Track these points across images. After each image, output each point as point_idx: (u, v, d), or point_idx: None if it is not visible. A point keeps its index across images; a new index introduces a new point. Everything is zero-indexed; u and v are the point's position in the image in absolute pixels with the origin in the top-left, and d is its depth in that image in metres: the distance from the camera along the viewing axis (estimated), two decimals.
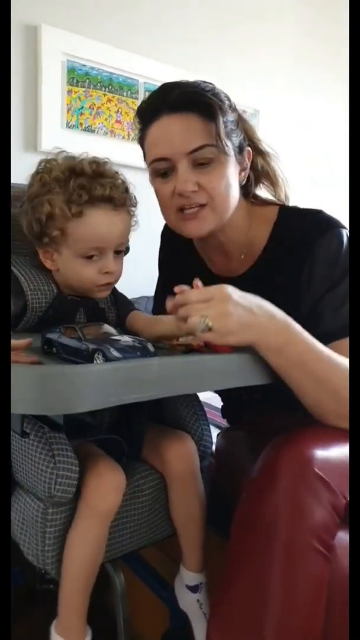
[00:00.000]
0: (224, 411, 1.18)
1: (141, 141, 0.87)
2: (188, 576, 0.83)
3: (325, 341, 0.74)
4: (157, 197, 0.85)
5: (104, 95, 1.84)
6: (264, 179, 0.95)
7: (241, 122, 0.87)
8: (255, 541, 0.67)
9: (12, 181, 0.97)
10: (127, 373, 0.56)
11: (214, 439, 1.13)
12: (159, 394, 0.59)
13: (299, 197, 1.01)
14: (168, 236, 1.00)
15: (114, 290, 0.88)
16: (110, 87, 1.83)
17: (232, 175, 0.84)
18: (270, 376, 0.68)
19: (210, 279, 0.96)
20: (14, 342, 0.64)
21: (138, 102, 1.26)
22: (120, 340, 0.68)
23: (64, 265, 0.79)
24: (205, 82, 0.84)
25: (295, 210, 0.93)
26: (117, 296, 0.88)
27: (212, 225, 0.84)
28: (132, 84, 1.89)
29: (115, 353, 0.63)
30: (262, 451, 0.72)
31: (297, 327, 0.71)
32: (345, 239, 0.84)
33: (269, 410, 0.93)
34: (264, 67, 2.20)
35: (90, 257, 0.77)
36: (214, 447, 1.10)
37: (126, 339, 0.70)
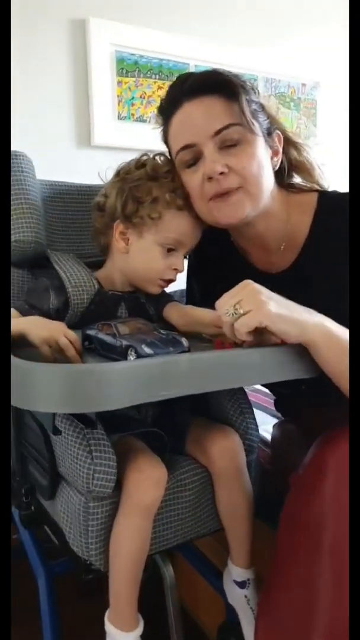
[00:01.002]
0: (277, 404, 1.14)
1: (165, 137, 0.84)
2: (236, 571, 0.81)
3: None
4: (188, 189, 0.82)
5: (154, 83, 1.82)
6: (297, 170, 0.89)
7: (267, 108, 0.82)
8: (302, 540, 0.65)
9: (66, 178, 1.00)
10: (156, 370, 0.55)
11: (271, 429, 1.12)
12: (189, 390, 0.58)
13: None
14: (202, 238, 0.94)
15: None
16: (160, 74, 1.81)
17: (264, 157, 0.80)
18: (308, 370, 0.64)
19: (252, 276, 0.92)
20: (73, 336, 0.67)
21: None
22: (154, 335, 0.68)
23: (138, 250, 0.82)
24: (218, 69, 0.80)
25: (336, 195, 0.86)
26: None
27: (247, 209, 0.79)
28: (183, 68, 1.85)
29: (146, 349, 0.63)
30: (311, 446, 0.70)
31: (334, 323, 0.67)
32: None
33: (320, 404, 0.89)
34: (323, 38, 2.07)
35: (168, 250, 0.81)
36: (269, 437, 1.09)
37: (161, 333, 0.69)
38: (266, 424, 1.18)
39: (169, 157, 0.85)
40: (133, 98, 1.77)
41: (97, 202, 0.87)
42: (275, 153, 0.83)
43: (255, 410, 1.30)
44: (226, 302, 0.64)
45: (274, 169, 0.83)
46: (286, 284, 0.87)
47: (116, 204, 0.82)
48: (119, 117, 1.74)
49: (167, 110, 0.81)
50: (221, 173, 0.76)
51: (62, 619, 0.83)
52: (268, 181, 0.81)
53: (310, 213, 0.85)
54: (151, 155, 0.85)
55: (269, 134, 0.82)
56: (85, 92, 1.66)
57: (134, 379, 0.54)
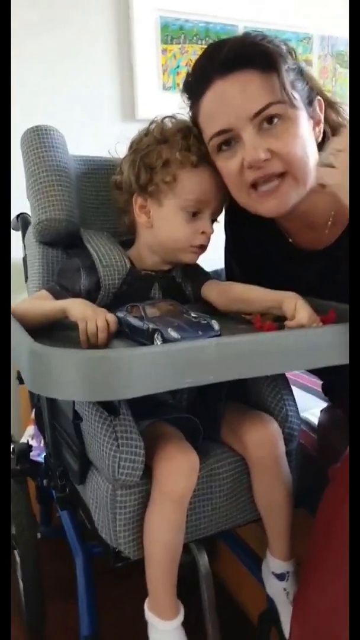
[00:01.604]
0: (324, 388, 1.08)
1: (194, 118, 0.77)
2: (274, 563, 0.78)
3: None
4: (223, 175, 0.75)
5: (201, 48, 1.71)
6: (339, 134, 0.78)
7: (305, 73, 0.74)
8: (338, 537, 0.60)
9: (111, 153, 0.96)
10: (179, 356, 0.51)
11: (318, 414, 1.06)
12: (217, 377, 0.53)
13: None
14: (236, 210, 0.86)
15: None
16: (207, 39, 1.72)
17: (307, 132, 0.72)
18: (340, 358, 0.58)
19: (294, 254, 0.86)
20: (113, 321, 0.65)
21: None
22: (183, 318, 0.64)
23: (161, 221, 0.78)
24: (254, 32, 0.72)
25: None
26: (191, 267, 0.83)
27: (293, 198, 0.73)
28: (232, 30, 1.76)
29: (173, 333, 0.59)
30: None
31: None
32: None
33: None
34: None
35: (191, 214, 0.76)
36: (316, 421, 1.03)
37: (191, 316, 0.65)
38: (314, 408, 1.12)
39: (178, 119, 0.79)
40: (178, 67, 1.70)
41: (114, 180, 0.83)
42: (317, 122, 0.75)
43: (302, 392, 1.25)
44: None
45: (317, 140, 0.75)
46: (331, 261, 0.80)
47: (130, 177, 0.78)
48: (164, 88, 1.68)
49: (196, 89, 0.74)
50: (264, 160, 0.69)
51: (99, 597, 0.83)
52: (314, 158, 0.73)
53: None
54: (159, 120, 0.80)
55: (309, 102, 0.74)
56: (128, 62, 1.61)
57: (155, 366, 0.50)
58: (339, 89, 1.90)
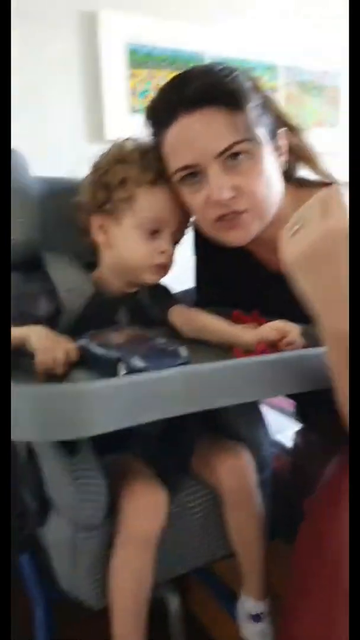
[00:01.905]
0: (297, 411, 1.06)
1: (158, 147, 0.75)
2: (249, 604, 0.74)
3: None
4: (189, 207, 0.74)
5: (170, 74, 1.74)
6: (301, 158, 0.80)
7: (268, 102, 0.73)
8: (318, 575, 0.58)
9: (79, 174, 0.94)
10: (143, 388, 0.48)
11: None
12: (184, 409, 0.50)
13: None
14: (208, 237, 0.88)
15: (157, 284, 0.80)
16: (175, 65, 1.74)
17: (271, 167, 0.72)
18: (316, 383, 0.56)
19: (262, 278, 0.85)
20: (73, 354, 0.61)
21: None
22: (149, 345, 0.61)
23: (119, 240, 0.75)
24: (219, 65, 0.71)
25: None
26: (159, 289, 0.81)
27: (256, 230, 0.73)
28: (198, 58, 1.78)
29: (138, 362, 0.55)
30: (327, 467, 0.62)
31: None
32: None
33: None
34: (345, 24, 1.95)
35: (149, 233, 0.74)
36: (290, 444, 1.00)
37: (158, 342, 0.62)
38: (288, 429, 1.10)
39: (137, 141, 0.78)
40: (147, 90, 1.70)
41: (76, 202, 0.81)
42: (281, 153, 0.76)
43: (275, 414, 1.22)
44: None
45: (281, 169, 0.75)
46: (290, 284, 0.80)
47: (89, 197, 0.77)
48: (133, 110, 1.68)
49: (161, 120, 0.73)
50: (230, 198, 0.69)
51: None
52: (276, 193, 0.74)
53: None
54: (120, 141, 0.79)
55: (273, 135, 0.74)
56: (97, 85, 1.60)
57: (118, 400, 0.46)
58: (304, 116, 1.95)
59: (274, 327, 0.62)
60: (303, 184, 0.81)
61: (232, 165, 0.69)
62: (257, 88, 0.71)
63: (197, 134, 0.68)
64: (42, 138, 1.46)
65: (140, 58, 1.67)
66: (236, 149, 0.68)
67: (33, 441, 0.61)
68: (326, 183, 0.80)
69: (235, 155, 0.69)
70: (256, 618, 0.73)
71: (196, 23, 1.71)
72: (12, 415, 0.45)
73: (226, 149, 0.68)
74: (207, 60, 1.77)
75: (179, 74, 0.73)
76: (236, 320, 0.73)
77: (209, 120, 0.68)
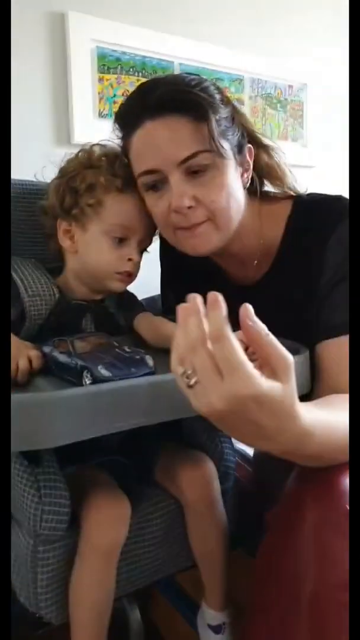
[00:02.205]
0: None
1: (124, 151, 0.76)
2: (210, 615, 0.74)
3: (331, 335, 0.69)
4: (152, 213, 0.74)
5: (138, 80, 1.74)
6: (268, 176, 0.81)
7: (237, 116, 0.74)
8: (277, 590, 0.58)
9: (46, 178, 0.92)
10: (107, 398, 0.47)
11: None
12: (150, 420, 0.50)
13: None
14: (175, 248, 0.86)
15: (124, 291, 0.80)
16: (143, 72, 1.74)
17: (234, 181, 0.72)
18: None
19: (227, 289, 0.86)
20: (37, 360, 0.61)
21: None
22: (114, 353, 0.60)
23: (85, 246, 0.75)
24: (190, 75, 0.72)
25: (312, 199, 0.79)
26: (125, 297, 0.80)
27: (216, 242, 0.73)
28: (167, 66, 1.78)
29: (103, 371, 0.55)
30: (289, 479, 0.62)
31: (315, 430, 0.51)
32: None
33: None
34: (310, 39, 2.01)
35: (116, 240, 0.74)
36: (251, 453, 1.01)
37: (124, 351, 0.61)
38: None
39: (105, 147, 0.78)
40: (115, 96, 1.69)
41: (41, 205, 0.80)
42: (246, 170, 0.76)
43: None
44: (187, 353, 0.45)
45: (244, 186, 0.76)
46: (258, 297, 0.81)
47: (55, 201, 0.76)
48: (101, 115, 1.67)
49: (127, 125, 0.73)
50: (189, 207, 0.69)
51: None
52: (238, 206, 0.74)
53: (283, 222, 0.79)
54: (88, 147, 0.79)
55: (239, 150, 0.74)
56: (64, 89, 1.58)
57: (81, 410, 0.46)
58: (269, 129, 1.98)
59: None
60: (266, 197, 0.82)
61: (194, 175, 0.69)
62: (225, 101, 0.72)
63: (160, 140, 0.69)
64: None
65: (108, 63, 1.67)
66: (199, 158, 0.68)
67: None
68: (290, 196, 0.82)
69: (198, 165, 0.69)
70: (217, 629, 0.73)
71: (166, 31, 1.72)
72: None
73: (188, 158, 0.68)
74: (176, 69, 1.78)
75: (148, 81, 0.73)
76: None
77: (172, 128, 0.68)
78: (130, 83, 1.71)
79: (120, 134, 0.76)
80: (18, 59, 1.48)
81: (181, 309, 0.47)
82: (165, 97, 0.67)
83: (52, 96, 1.56)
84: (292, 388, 0.46)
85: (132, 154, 0.73)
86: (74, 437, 0.45)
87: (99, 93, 1.66)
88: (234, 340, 0.43)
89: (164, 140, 0.68)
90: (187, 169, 0.69)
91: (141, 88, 0.72)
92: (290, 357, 0.46)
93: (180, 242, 0.75)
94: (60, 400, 0.45)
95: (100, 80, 1.66)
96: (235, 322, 0.76)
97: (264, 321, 0.79)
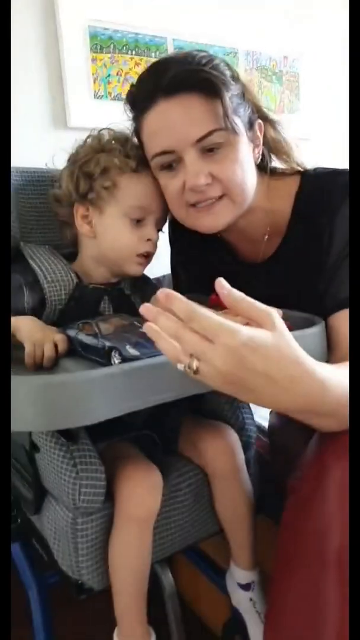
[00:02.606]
0: None
1: (137, 132, 0.76)
2: (239, 574, 0.78)
3: (343, 306, 0.70)
4: (165, 193, 0.75)
5: (131, 59, 1.73)
6: (275, 151, 0.82)
7: (247, 93, 0.75)
8: (305, 551, 0.60)
9: (44, 162, 0.93)
10: (141, 375, 0.50)
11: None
12: (180, 394, 0.53)
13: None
14: (184, 228, 0.85)
15: None
16: (136, 50, 1.72)
17: (247, 157, 0.74)
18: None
19: (237, 267, 0.88)
20: (63, 344, 0.63)
21: None
22: (139, 333, 0.62)
23: (104, 229, 0.76)
24: (200, 52, 0.72)
25: (319, 173, 0.80)
26: (140, 278, 0.82)
27: (230, 217, 0.74)
28: (159, 42, 1.76)
29: (131, 350, 0.57)
30: (309, 444, 0.65)
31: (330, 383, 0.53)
32: None
33: None
34: (305, 9, 1.97)
35: (134, 221, 0.75)
36: (266, 424, 1.04)
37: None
38: (263, 410, 1.14)
39: (115, 131, 0.79)
40: (109, 75, 1.68)
41: (53, 194, 0.81)
42: (256, 145, 0.77)
43: None
44: (187, 343, 0.47)
45: (255, 162, 0.77)
46: (270, 273, 0.83)
47: (69, 188, 0.76)
48: (96, 96, 1.65)
49: (140, 104, 0.73)
50: (206, 184, 0.70)
51: (57, 628, 0.79)
52: (251, 181, 0.75)
53: (292, 197, 0.80)
54: (96, 132, 0.79)
55: (250, 126, 0.75)
56: (58, 70, 1.57)
57: (117, 388, 0.48)
58: (265, 102, 1.97)
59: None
60: (275, 173, 0.83)
61: (209, 152, 0.70)
62: (235, 77, 0.73)
63: (175, 120, 0.69)
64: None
65: (101, 42, 1.64)
66: (214, 137, 0.69)
67: (35, 431, 0.62)
68: (298, 171, 0.83)
69: (212, 144, 0.70)
70: (246, 587, 0.77)
71: (157, 7, 1.69)
72: (12, 405, 0.45)
73: (203, 137, 0.69)
74: (169, 45, 1.76)
75: (159, 60, 0.73)
76: (214, 305, 0.76)
77: (186, 107, 0.68)
78: (124, 62, 1.69)
79: (131, 115, 0.76)
80: (12, 45, 1.46)
81: (146, 315, 0.49)
82: (179, 77, 0.68)
83: (47, 80, 1.55)
84: (282, 335, 0.48)
85: (145, 134, 0.74)
86: (113, 413, 0.48)
87: (93, 74, 1.64)
88: (205, 310, 0.46)
89: (178, 119, 0.69)
90: (202, 147, 0.70)
91: (153, 68, 0.72)
92: (269, 308, 0.49)
93: (193, 220, 0.76)
94: (99, 379, 0.47)
95: (94, 60, 1.64)
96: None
97: (276, 295, 0.81)
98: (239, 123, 0.71)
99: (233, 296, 0.49)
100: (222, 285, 0.49)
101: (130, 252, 0.75)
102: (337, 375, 0.54)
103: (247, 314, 0.49)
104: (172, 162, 0.72)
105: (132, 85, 0.75)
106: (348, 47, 0.62)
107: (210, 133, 0.69)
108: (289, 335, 0.49)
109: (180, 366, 0.47)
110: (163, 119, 0.70)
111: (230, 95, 0.69)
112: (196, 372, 0.47)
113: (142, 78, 0.74)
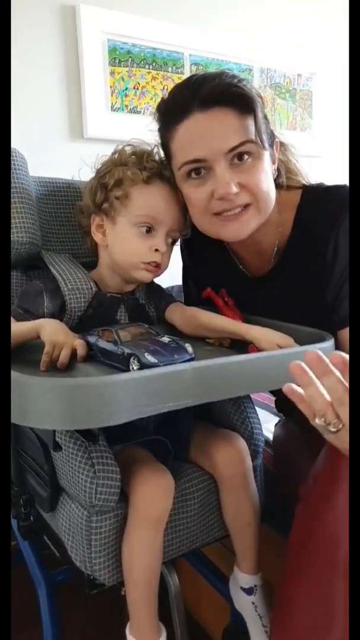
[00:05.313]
0: (277, 404, 1.12)
1: (165, 142, 0.80)
2: (242, 578, 0.80)
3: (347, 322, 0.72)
4: (189, 201, 0.78)
5: (148, 73, 1.77)
6: (286, 171, 0.87)
7: (267, 115, 0.79)
8: (316, 556, 0.62)
9: (60, 172, 0.96)
10: (159, 381, 0.53)
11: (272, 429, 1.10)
12: (196, 400, 0.55)
13: None
14: (195, 240, 0.91)
15: (151, 283, 0.85)
16: (154, 64, 1.76)
17: (269, 170, 0.78)
18: None
19: (245, 280, 0.92)
20: (82, 350, 0.65)
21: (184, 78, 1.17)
22: (156, 342, 0.65)
23: (115, 238, 0.79)
24: (229, 72, 0.76)
25: (319, 188, 0.84)
26: (154, 288, 0.85)
27: (254, 226, 0.78)
28: (177, 58, 1.81)
29: (150, 358, 0.60)
30: (320, 453, 0.67)
31: None
32: None
33: None
34: (319, 28, 2.02)
35: (144, 230, 0.77)
36: (271, 436, 1.07)
37: (164, 339, 0.67)
38: (268, 422, 1.16)
39: (135, 146, 0.82)
40: (126, 89, 1.72)
41: (78, 205, 0.86)
42: (274, 161, 0.82)
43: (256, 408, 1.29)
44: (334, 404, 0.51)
45: (273, 177, 0.81)
46: (273, 286, 0.86)
47: (89, 199, 0.80)
48: (112, 109, 1.69)
49: (173, 115, 0.76)
50: (235, 193, 0.74)
51: (65, 627, 0.81)
52: (274, 193, 0.79)
53: (293, 210, 0.84)
54: (120, 147, 0.83)
55: (271, 144, 0.80)
56: (77, 82, 1.61)
57: (138, 392, 0.51)
58: (278, 119, 2.01)
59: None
60: (278, 186, 0.86)
61: (237, 164, 0.74)
62: (260, 98, 0.77)
63: (209, 131, 0.73)
64: (22, 136, 1.46)
65: (120, 55, 1.68)
66: (245, 147, 0.73)
67: (58, 430, 0.65)
68: (299, 186, 0.86)
69: (241, 156, 0.74)
70: (249, 591, 0.79)
71: (175, 23, 1.73)
72: (35, 404, 0.49)
73: (236, 147, 0.72)
74: (186, 60, 1.80)
75: (194, 75, 0.77)
76: (206, 297, 0.82)
77: (221, 119, 0.72)
78: (142, 76, 1.73)
79: (160, 124, 0.80)
80: (30, 54, 1.50)
81: (298, 367, 0.52)
82: (217, 90, 0.72)
83: (66, 92, 1.59)
84: None
85: (176, 144, 0.77)
86: (133, 415, 0.51)
87: (110, 87, 1.68)
88: None
89: (211, 130, 0.73)
90: (232, 158, 0.73)
91: (188, 82, 0.76)
92: None
93: (217, 228, 0.78)
94: (123, 383, 0.50)
95: (112, 73, 1.68)
96: (251, 311, 0.82)
97: (279, 308, 0.85)
98: (265, 138, 0.76)
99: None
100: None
101: (137, 260, 0.78)
102: None
103: None
104: (201, 170, 0.75)
105: (165, 97, 0.79)
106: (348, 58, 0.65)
107: (242, 143, 0.73)
108: None
109: (320, 420, 0.51)
110: (197, 129, 0.74)
111: (258, 112, 0.74)
112: (333, 432, 0.51)
113: (177, 90, 0.77)
